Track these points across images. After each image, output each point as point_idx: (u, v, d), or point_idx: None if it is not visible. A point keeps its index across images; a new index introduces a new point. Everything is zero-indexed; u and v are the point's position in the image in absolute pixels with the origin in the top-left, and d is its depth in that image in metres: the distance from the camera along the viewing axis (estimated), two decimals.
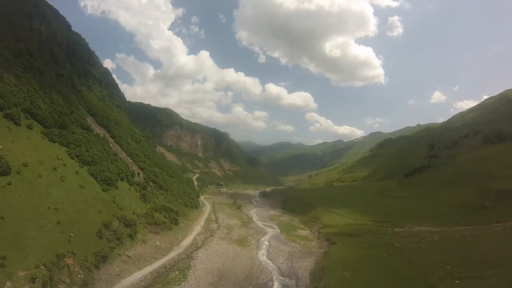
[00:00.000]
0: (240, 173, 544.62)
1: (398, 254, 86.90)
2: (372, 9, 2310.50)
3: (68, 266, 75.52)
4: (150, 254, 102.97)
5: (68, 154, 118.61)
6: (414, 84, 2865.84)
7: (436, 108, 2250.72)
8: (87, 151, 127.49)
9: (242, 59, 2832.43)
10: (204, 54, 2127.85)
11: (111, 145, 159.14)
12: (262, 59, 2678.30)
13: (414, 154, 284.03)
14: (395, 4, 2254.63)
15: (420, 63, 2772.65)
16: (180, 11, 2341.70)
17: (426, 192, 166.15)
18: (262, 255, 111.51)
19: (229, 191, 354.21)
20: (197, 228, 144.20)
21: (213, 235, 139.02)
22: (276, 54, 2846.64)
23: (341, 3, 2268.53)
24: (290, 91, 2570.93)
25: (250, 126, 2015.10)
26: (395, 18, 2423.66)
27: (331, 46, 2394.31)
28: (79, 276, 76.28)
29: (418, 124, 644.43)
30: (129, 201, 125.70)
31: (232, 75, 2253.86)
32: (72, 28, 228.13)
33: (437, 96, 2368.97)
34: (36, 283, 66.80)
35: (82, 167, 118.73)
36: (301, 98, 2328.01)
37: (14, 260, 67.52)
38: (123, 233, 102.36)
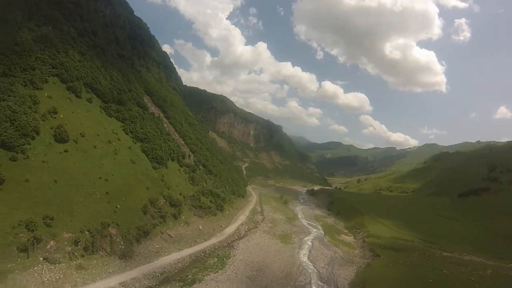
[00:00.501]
0: (289, 167, 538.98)
1: (446, 282, 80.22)
2: (437, 10, 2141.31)
3: (111, 236, 78.27)
4: (192, 236, 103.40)
5: (123, 129, 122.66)
6: (478, 96, 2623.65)
7: (500, 125, 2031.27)
8: (141, 128, 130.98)
9: (299, 53, 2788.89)
10: (262, 46, 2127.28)
11: (165, 125, 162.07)
12: (319, 55, 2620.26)
13: (472, 173, 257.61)
14: (463, 5, 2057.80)
15: (487, 73, 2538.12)
16: (238, 1, 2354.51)
17: (482, 218, 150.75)
18: (303, 256, 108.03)
19: (276, 184, 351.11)
20: (242, 217, 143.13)
21: (257, 227, 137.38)
22: (334, 52, 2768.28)
23: (404, 2, 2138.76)
24: (346, 90, 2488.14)
25: (303, 121, 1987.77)
26: (462, 20, 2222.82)
27: (391, 47, 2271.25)
28: (120, 246, 78.53)
29: (478, 141, 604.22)
30: (177, 182, 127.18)
31: (288, 69, 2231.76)
32: (135, 13, 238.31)
33: (503, 111, 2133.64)
34: (79, 246, 70.32)
35: (135, 143, 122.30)
36: (356, 99, 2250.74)
37: (61, 222, 71.63)
38: (168, 212, 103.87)
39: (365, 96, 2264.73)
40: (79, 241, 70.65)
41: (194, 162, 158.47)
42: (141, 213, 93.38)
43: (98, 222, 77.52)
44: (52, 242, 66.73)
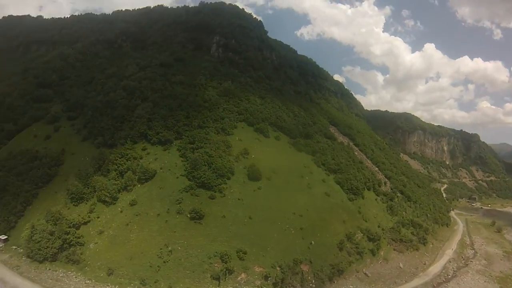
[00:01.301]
0: (496, 184, 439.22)
1: None
2: None
3: (302, 273, 76.27)
4: (390, 276, 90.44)
5: (314, 162, 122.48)
6: None
7: None
8: (333, 159, 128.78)
9: (473, 41, 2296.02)
10: (429, 47, 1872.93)
11: (355, 153, 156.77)
12: (497, 35, 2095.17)
13: None
14: None
15: None
16: (387, 9, 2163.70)
17: None
18: None
19: (483, 207, 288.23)
20: (448, 252, 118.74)
21: (467, 264, 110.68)
22: None
23: None
24: None
25: (501, 123, 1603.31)
26: None
27: None
28: (311, 285, 75.74)
29: None
30: (375, 213, 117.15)
31: (467, 64, 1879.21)
32: (298, 52, 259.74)
33: None
34: (268, 281, 71.66)
35: (329, 175, 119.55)
36: None
37: (253, 256, 75.32)
38: (365, 248, 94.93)
39: None
40: (269, 276, 71.80)
41: (391, 189, 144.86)
42: (337, 249, 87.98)
43: (291, 259, 76.78)
44: (243, 275, 70.96)
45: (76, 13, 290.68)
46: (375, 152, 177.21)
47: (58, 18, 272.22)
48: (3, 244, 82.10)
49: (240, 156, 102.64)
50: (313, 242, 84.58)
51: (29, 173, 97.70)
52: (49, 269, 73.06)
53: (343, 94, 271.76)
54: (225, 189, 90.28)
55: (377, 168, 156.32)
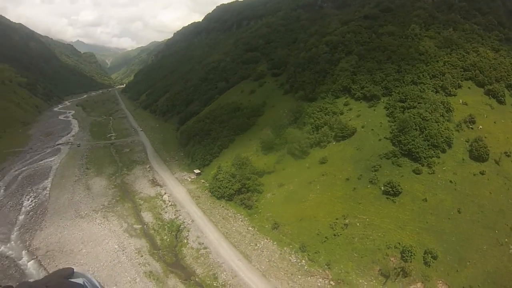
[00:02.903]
0: None
1: None
2: None
3: None
4: None
5: None
6: None
7: None
8: None
9: None
10: None
11: None
12: None
13: None
14: None
15: None
16: None
17: None
18: None
19: None
20: None
21: None
22: None
23: None
24: None
25: None
26: None
27: None
28: None
29: None
30: None
31: None
32: None
33: None
34: None
35: None
36: None
37: (443, 266, 55.81)
38: None
39: None
40: None
41: None
42: None
43: None
44: (419, 284, 53.70)
45: None
46: None
47: None
48: (196, 177, 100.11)
49: (463, 124, 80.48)
50: None
51: (230, 121, 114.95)
52: (222, 207, 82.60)
53: None
54: (435, 165, 71.83)
55: None
